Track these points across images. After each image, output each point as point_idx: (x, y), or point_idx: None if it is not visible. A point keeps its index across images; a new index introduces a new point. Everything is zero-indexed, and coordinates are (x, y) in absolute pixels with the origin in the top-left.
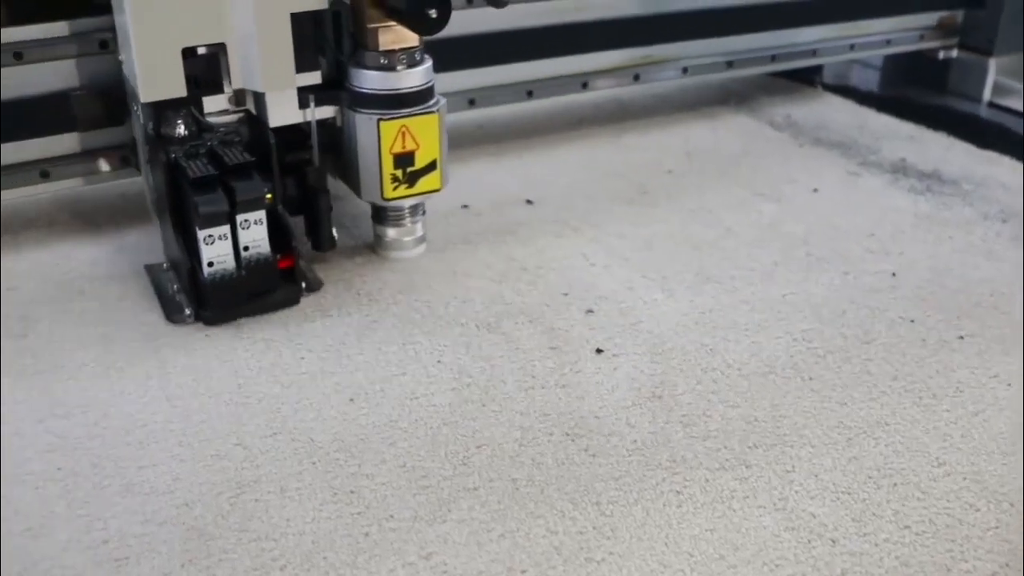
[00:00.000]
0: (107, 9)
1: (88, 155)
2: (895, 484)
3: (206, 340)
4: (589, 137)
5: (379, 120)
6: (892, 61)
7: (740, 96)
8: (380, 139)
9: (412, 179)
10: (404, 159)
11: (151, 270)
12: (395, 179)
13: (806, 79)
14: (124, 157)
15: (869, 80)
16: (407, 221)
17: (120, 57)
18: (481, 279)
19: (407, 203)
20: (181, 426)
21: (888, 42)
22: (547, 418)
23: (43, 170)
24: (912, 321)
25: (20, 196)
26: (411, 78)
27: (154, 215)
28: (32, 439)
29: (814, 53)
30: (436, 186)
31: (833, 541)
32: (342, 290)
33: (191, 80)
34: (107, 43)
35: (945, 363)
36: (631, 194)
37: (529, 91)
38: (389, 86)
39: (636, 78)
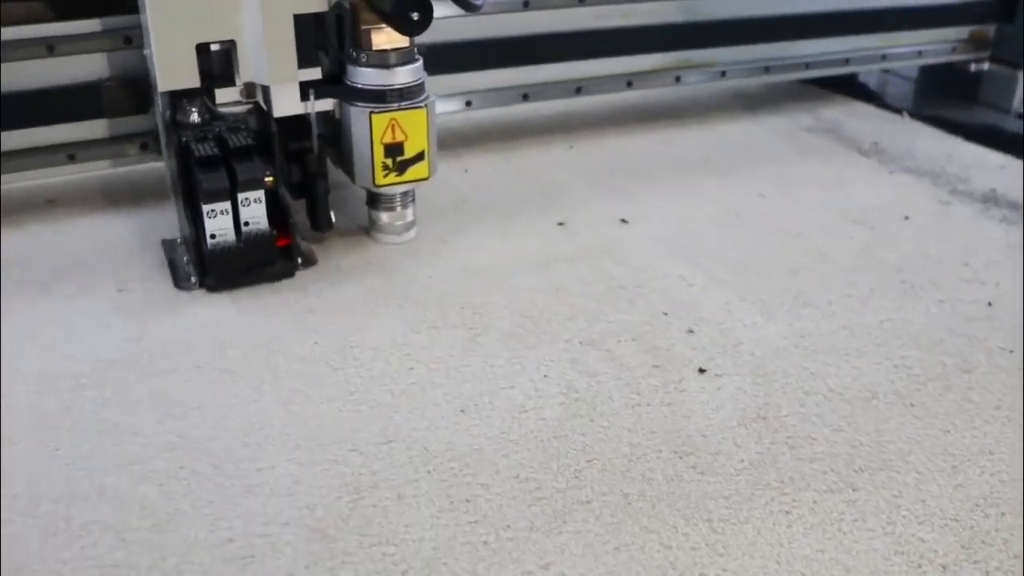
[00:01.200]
0: (135, 8)
1: (115, 141)
2: (1003, 514)
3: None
4: (682, 162)
5: (371, 113)
6: (925, 73)
7: (828, 123)
8: (372, 130)
9: (402, 168)
10: (394, 149)
11: (166, 244)
12: (386, 167)
13: (889, 107)
14: (146, 143)
15: (902, 90)
16: (398, 207)
17: (145, 51)
18: (582, 296)
19: (398, 190)
20: (297, 431)
21: (920, 54)
22: (654, 435)
23: (70, 153)
24: (1011, 352)
25: (51, 177)
26: (401, 75)
27: (172, 195)
28: (152, 438)
29: (847, 62)
30: (424, 175)
31: (944, 567)
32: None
33: (205, 73)
34: (133, 39)
35: None
36: (726, 217)
37: (578, 88)
38: (381, 82)
39: (677, 79)
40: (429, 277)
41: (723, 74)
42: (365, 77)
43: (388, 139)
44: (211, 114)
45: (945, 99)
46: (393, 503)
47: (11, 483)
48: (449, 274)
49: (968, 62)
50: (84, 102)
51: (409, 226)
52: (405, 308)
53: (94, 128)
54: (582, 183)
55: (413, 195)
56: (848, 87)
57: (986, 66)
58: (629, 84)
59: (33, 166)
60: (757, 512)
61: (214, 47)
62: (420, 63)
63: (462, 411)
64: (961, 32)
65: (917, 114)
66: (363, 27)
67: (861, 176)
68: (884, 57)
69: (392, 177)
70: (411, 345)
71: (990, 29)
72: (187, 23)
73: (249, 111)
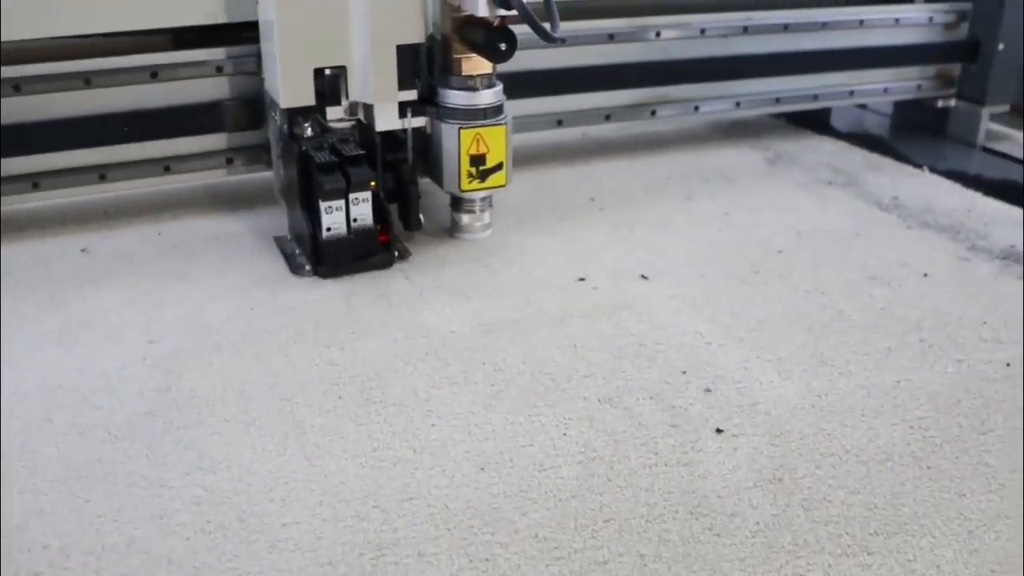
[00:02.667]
0: (255, 39)
1: (233, 152)
2: None
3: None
4: (700, 214)
5: (460, 128)
6: (899, 108)
7: (847, 175)
8: (460, 143)
9: (483, 176)
10: (478, 160)
11: (278, 240)
12: (470, 175)
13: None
14: (258, 155)
15: (880, 126)
16: (477, 210)
17: (262, 76)
18: (601, 353)
19: (479, 195)
20: (320, 486)
21: (886, 90)
22: (671, 495)
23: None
24: None
25: (181, 182)
26: (485, 97)
27: (280, 199)
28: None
29: (815, 98)
30: (502, 182)
31: None
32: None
33: (319, 93)
34: (252, 66)
35: None
36: (744, 273)
37: (559, 120)
38: (469, 103)
39: (653, 113)
40: (451, 332)
41: (696, 108)
42: (455, 98)
43: (473, 151)
44: (322, 128)
45: (916, 133)
46: (414, 560)
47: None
48: (471, 329)
49: (935, 99)
50: (208, 118)
51: (486, 227)
52: (426, 362)
53: (216, 141)
54: (604, 236)
55: (490, 200)
56: (821, 124)
57: (953, 103)
58: (608, 117)
59: (170, 171)
60: (772, 575)
61: (327, 71)
62: (500, 87)
63: (482, 469)
64: (928, 71)
65: (936, 168)
66: (454, 56)
67: (881, 232)
68: (852, 93)
69: (475, 184)
70: (433, 401)
71: (956, 68)
72: (307, 51)
73: (352, 127)
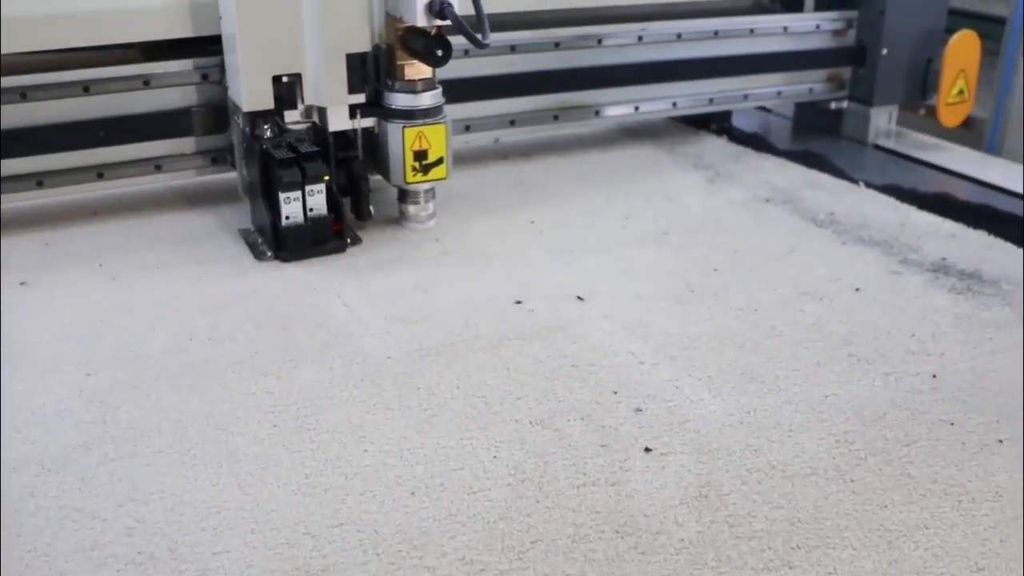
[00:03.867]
0: (218, 51)
1: (199, 155)
2: None
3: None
4: (638, 234)
5: (403, 127)
6: (800, 110)
7: (785, 193)
8: (404, 140)
9: (426, 169)
10: (420, 155)
11: (243, 232)
12: (414, 169)
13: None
14: (223, 157)
15: (782, 129)
16: (422, 200)
17: (226, 84)
18: (534, 375)
19: (423, 187)
20: (252, 514)
21: (779, 94)
22: (598, 515)
23: (157, 164)
24: (952, 424)
25: (152, 183)
26: (426, 99)
27: (243, 196)
28: None
29: (711, 101)
30: (443, 175)
31: None
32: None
33: (277, 98)
34: (209, 76)
35: (984, 466)
36: (679, 292)
37: (467, 126)
38: (411, 104)
39: (556, 118)
40: (388, 358)
41: (597, 113)
42: (399, 100)
43: (416, 147)
44: (280, 129)
45: (813, 134)
46: None
47: None
48: (407, 353)
49: (829, 100)
50: (177, 123)
51: (431, 216)
52: (361, 388)
53: (183, 144)
54: (544, 259)
55: (433, 192)
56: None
57: (845, 104)
58: (512, 122)
59: (139, 174)
60: None
61: (284, 79)
62: (439, 90)
63: (413, 493)
64: (820, 75)
65: (871, 183)
66: (398, 62)
67: (816, 248)
68: (746, 97)
69: (419, 177)
70: (366, 427)
71: (846, 72)
72: (266, 61)
73: (307, 128)
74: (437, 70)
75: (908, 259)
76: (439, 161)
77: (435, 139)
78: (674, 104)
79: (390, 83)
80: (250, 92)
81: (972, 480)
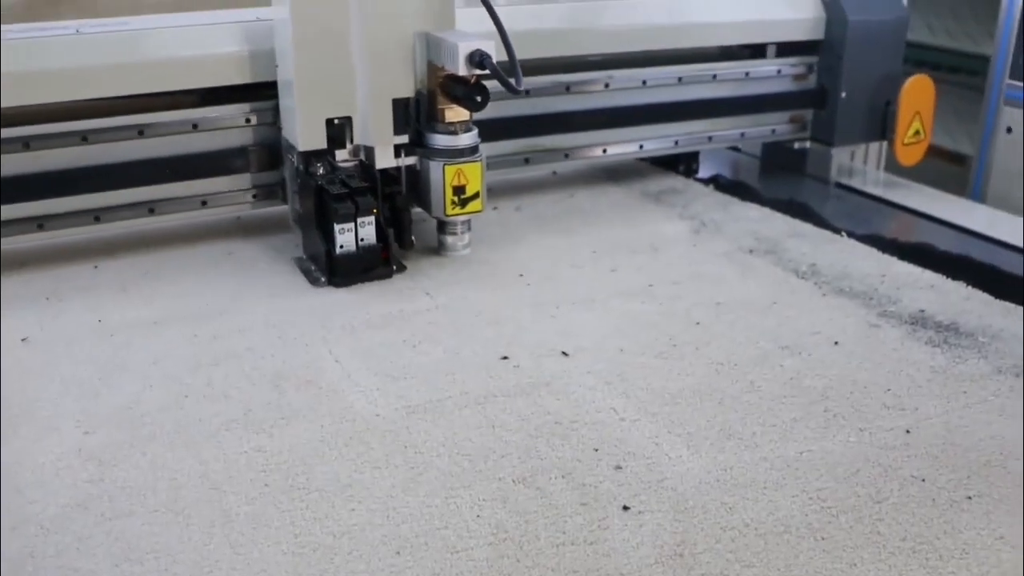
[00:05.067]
0: (273, 96)
1: (256, 189)
2: None
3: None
4: (623, 287)
5: (444, 165)
6: (767, 149)
7: (768, 243)
8: (444, 177)
9: (464, 203)
10: (459, 190)
11: (296, 260)
12: (454, 203)
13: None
14: (275, 191)
15: (751, 168)
16: (459, 231)
17: (280, 125)
18: (518, 433)
19: (460, 219)
20: (243, 574)
21: (742, 135)
22: (575, 574)
23: (203, 200)
24: (923, 480)
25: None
26: (464, 139)
27: (294, 227)
28: None
29: (676, 143)
30: (479, 208)
31: None
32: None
33: (329, 138)
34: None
35: (953, 523)
36: (661, 346)
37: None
38: (451, 144)
39: (527, 161)
40: (376, 415)
41: (566, 156)
42: (439, 140)
43: (455, 183)
44: (332, 167)
45: (779, 172)
46: None
47: None
48: (395, 411)
49: (792, 141)
50: (235, 160)
51: (467, 246)
52: (350, 447)
53: (240, 180)
54: (529, 313)
55: (469, 224)
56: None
57: (807, 144)
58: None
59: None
60: None
61: (336, 121)
62: (476, 131)
63: (398, 552)
64: (782, 116)
65: (853, 233)
66: (439, 106)
67: (796, 301)
68: (711, 139)
69: (457, 210)
70: (354, 486)
71: (808, 113)
72: (320, 105)
73: (355, 165)
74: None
75: (887, 311)
76: (476, 195)
77: (472, 175)
78: (641, 146)
79: (431, 125)
80: (305, 133)
81: (940, 537)
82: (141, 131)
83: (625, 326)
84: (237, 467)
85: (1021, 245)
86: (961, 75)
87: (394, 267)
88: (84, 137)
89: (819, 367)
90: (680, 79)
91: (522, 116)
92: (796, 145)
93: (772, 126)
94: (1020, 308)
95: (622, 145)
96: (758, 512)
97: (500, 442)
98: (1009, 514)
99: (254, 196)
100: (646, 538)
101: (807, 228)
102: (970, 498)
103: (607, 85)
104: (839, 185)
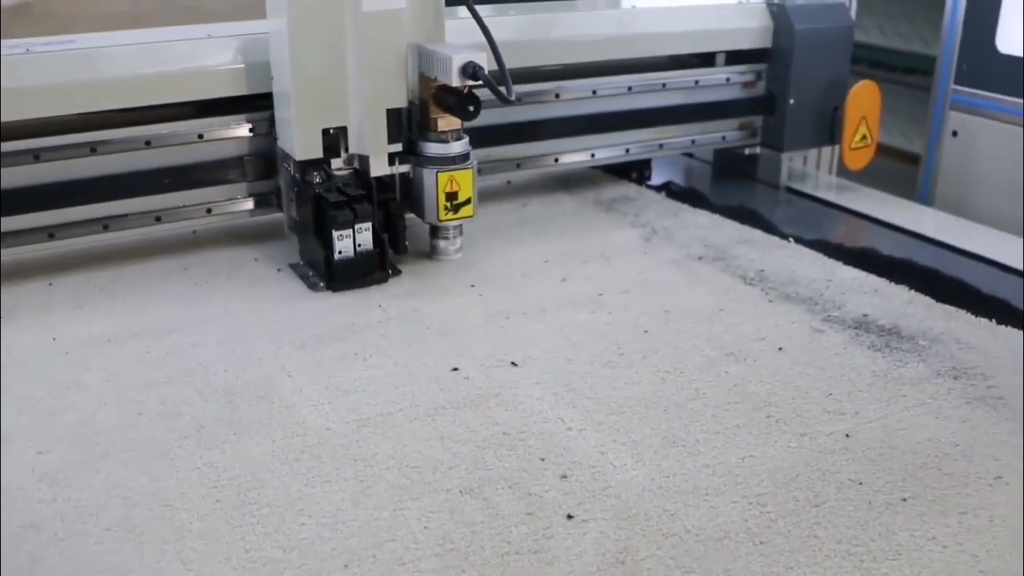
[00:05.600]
0: (268, 107)
1: (250, 197)
2: None
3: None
4: (574, 297)
5: (437, 172)
6: (719, 156)
7: (717, 249)
8: (437, 184)
9: (456, 208)
10: (451, 196)
11: (293, 267)
12: (446, 208)
13: (778, 232)
14: (269, 200)
15: (703, 174)
16: (451, 236)
17: (275, 136)
18: (466, 444)
19: (452, 224)
20: None
21: (693, 142)
22: None
23: (207, 208)
24: (861, 484)
25: (205, 224)
26: (456, 147)
27: (289, 233)
28: None
29: (627, 151)
30: (470, 214)
31: None
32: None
33: (325, 148)
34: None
35: (887, 526)
36: (609, 355)
37: None
38: (443, 152)
39: (479, 171)
40: (327, 429)
41: (518, 166)
42: (432, 149)
43: (448, 189)
44: (327, 176)
45: (731, 178)
46: None
47: None
48: (345, 424)
49: (743, 147)
50: (232, 170)
51: (458, 250)
52: (301, 461)
53: (236, 189)
54: (480, 325)
55: (461, 228)
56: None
57: (758, 150)
58: None
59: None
60: None
61: (331, 131)
62: (467, 139)
63: (346, 566)
64: (732, 124)
65: (801, 239)
66: (431, 116)
67: (743, 307)
68: (661, 147)
69: (450, 215)
70: (305, 500)
71: (758, 120)
72: (316, 115)
73: (350, 173)
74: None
75: (831, 316)
76: (467, 201)
77: (464, 182)
78: (592, 155)
79: (424, 134)
80: (302, 143)
81: (875, 540)
82: (148, 142)
83: (574, 336)
84: (189, 483)
85: (965, 248)
86: (916, 76)
87: (389, 271)
88: (93, 149)
89: (763, 373)
90: (630, 88)
91: (474, 128)
92: (747, 151)
93: (722, 133)
94: (961, 312)
95: (574, 154)
96: (699, 518)
97: (448, 454)
98: (942, 515)
99: (251, 205)
100: (589, 546)
101: (756, 234)
102: (905, 500)
103: (558, 95)
104: (789, 190)
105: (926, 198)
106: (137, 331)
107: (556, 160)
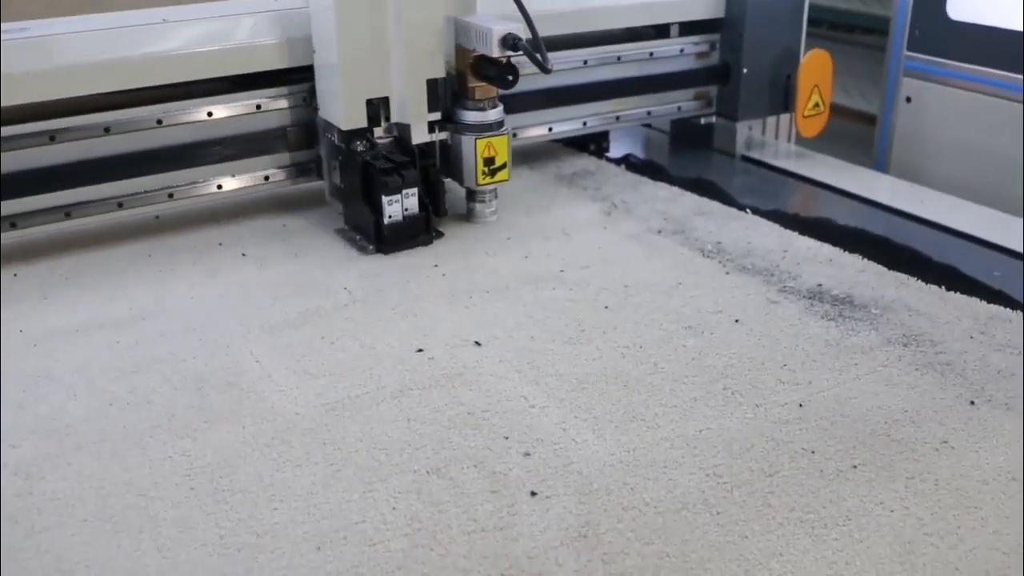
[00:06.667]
0: (308, 79)
1: (293, 167)
2: None
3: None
4: (535, 274)
5: (476, 139)
6: (676, 125)
7: (676, 222)
8: (476, 150)
9: (493, 173)
10: (489, 161)
11: (340, 231)
12: (484, 172)
13: (735, 204)
14: (308, 168)
15: (661, 145)
16: (487, 199)
17: (315, 106)
18: (432, 425)
19: (488, 188)
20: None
21: (649, 114)
22: (486, 560)
23: (265, 175)
24: (813, 452)
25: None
26: (492, 115)
27: (331, 200)
28: None
29: (584, 124)
30: (506, 178)
31: None
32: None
33: (369, 117)
34: (308, 99)
35: (838, 492)
36: (571, 332)
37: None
38: (481, 119)
39: None
40: (296, 414)
41: None
42: (470, 117)
43: (485, 155)
44: (371, 144)
45: (688, 148)
46: None
47: None
48: (314, 408)
49: (698, 117)
50: (275, 141)
51: (494, 212)
52: (272, 446)
53: (280, 159)
54: (444, 306)
55: (496, 192)
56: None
57: (713, 120)
58: None
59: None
60: None
61: (373, 101)
62: (501, 107)
63: (319, 548)
64: (687, 94)
65: (758, 209)
66: (469, 85)
67: (701, 280)
68: (618, 119)
69: (488, 179)
70: (276, 485)
71: (712, 90)
72: (361, 87)
73: (390, 141)
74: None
75: (787, 287)
76: (503, 165)
77: (500, 147)
78: (550, 129)
79: (462, 102)
80: (348, 113)
81: (826, 506)
82: (210, 112)
83: (536, 313)
84: (163, 472)
85: (917, 215)
86: (875, 36)
87: (433, 233)
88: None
89: (720, 346)
90: (585, 62)
91: None
92: (703, 121)
93: (678, 103)
94: (912, 279)
95: (532, 128)
96: (658, 491)
97: (415, 435)
98: (890, 480)
99: (294, 174)
100: (552, 522)
101: (714, 206)
102: (855, 467)
103: None
104: (745, 159)
105: (882, 164)
106: (103, 321)
107: (515, 135)
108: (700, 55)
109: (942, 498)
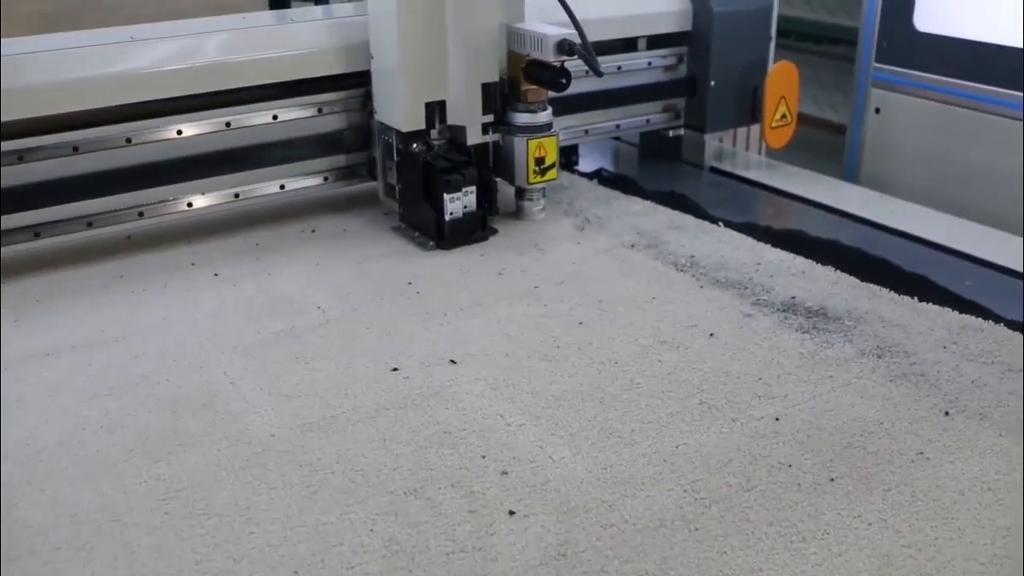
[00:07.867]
0: (365, 83)
1: (350, 168)
2: None
3: None
4: (509, 290)
5: (527, 139)
6: (645, 138)
7: (649, 236)
8: (528, 150)
9: (543, 172)
10: (540, 161)
11: (397, 229)
12: (535, 172)
13: (708, 217)
14: (361, 170)
15: (631, 157)
16: (536, 198)
17: (371, 109)
18: (409, 445)
19: (538, 187)
20: None
21: (618, 127)
22: None
23: (325, 176)
24: (790, 466)
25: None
26: (543, 117)
27: (384, 199)
28: None
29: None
30: (555, 177)
31: None
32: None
33: (426, 120)
34: (365, 103)
35: (816, 506)
36: (546, 349)
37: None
38: (532, 121)
39: None
40: (272, 436)
41: None
42: (522, 119)
43: (537, 155)
44: (427, 145)
45: (657, 160)
46: None
47: None
48: (290, 430)
49: (667, 129)
50: (334, 144)
51: (542, 210)
52: (247, 469)
53: (337, 160)
54: (419, 324)
55: (544, 191)
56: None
57: (682, 131)
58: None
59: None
60: None
61: (430, 103)
62: (551, 109)
63: (295, 572)
64: (656, 107)
65: (731, 222)
66: (522, 88)
67: (675, 295)
68: (587, 132)
69: (538, 178)
70: (252, 508)
71: (680, 102)
72: (420, 91)
73: (445, 143)
74: None
75: (760, 300)
76: (552, 165)
77: (550, 148)
78: None
79: (513, 104)
80: (408, 116)
81: (804, 520)
82: (275, 116)
83: (511, 330)
84: (137, 497)
85: (888, 225)
86: (843, 47)
87: (488, 230)
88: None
89: (695, 360)
90: None
91: None
92: (671, 133)
93: (646, 116)
94: (884, 290)
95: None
96: (636, 508)
97: (391, 455)
98: (867, 492)
99: (349, 175)
100: (531, 541)
101: (687, 219)
102: (832, 480)
103: None
104: (714, 170)
105: (851, 175)
106: (76, 343)
107: None
108: (668, 68)
109: (919, 510)
